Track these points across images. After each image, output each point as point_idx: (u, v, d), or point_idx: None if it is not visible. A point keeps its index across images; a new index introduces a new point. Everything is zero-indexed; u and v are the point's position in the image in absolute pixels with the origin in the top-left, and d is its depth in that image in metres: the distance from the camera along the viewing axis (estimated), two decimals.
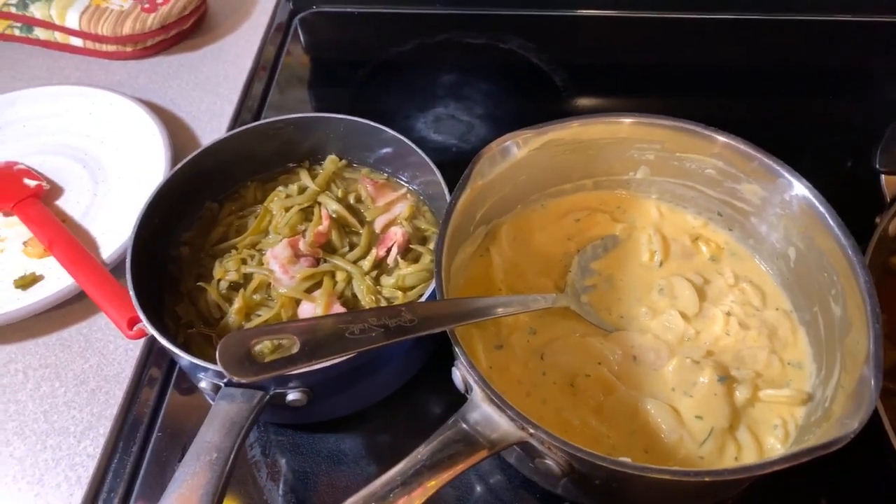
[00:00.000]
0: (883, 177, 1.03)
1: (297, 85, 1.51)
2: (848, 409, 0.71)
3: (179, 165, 1.04)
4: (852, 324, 0.79)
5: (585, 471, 0.73)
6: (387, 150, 1.10)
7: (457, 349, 0.76)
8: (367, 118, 1.10)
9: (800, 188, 0.87)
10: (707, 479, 0.65)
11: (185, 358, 0.84)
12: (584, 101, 1.37)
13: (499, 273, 0.99)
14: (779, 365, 0.89)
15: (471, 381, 0.75)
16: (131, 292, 0.88)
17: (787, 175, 0.88)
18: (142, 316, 0.86)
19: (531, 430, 0.71)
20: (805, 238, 0.89)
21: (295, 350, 0.66)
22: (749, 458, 0.82)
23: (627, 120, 0.95)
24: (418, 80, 1.43)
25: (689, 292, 0.96)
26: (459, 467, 0.70)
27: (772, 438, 0.84)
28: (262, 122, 1.11)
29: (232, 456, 0.74)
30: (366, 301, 0.96)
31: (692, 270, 1.00)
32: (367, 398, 0.95)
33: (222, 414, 0.78)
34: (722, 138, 0.92)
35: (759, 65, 1.44)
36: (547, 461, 0.73)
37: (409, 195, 1.11)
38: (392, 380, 0.95)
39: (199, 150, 1.06)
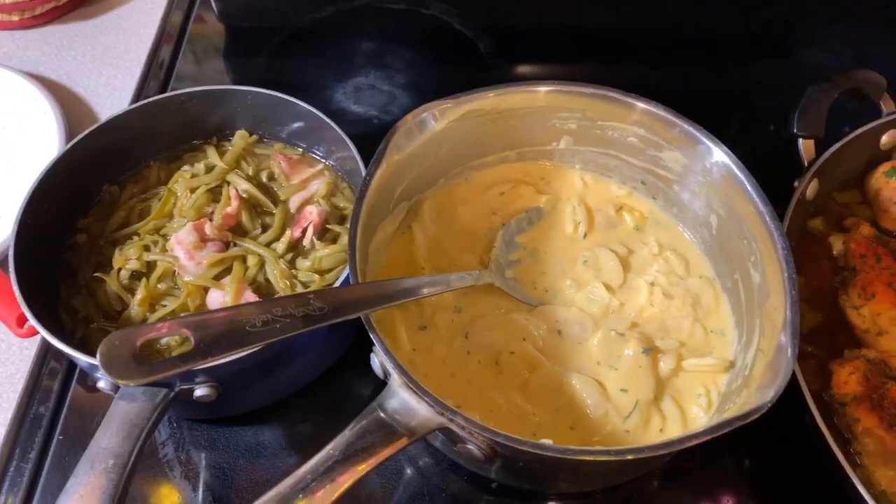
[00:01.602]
0: (801, 141, 1.03)
1: (207, 55, 1.41)
2: (767, 377, 0.71)
3: (70, 144, 0.95)
4: (771, 290, 0.79)
5: (508, 454, 0.71)
6: (300, 123, 1.04)
7: (372, 336, 0.72)
8: (282, 89, 1.03)
9: (719, 155, 0.86)
10: (630, 457, 0.64)
11: (79, 358, 0.77)
12: (509, 69, 1.33)
13: (422, 251, 0.96)
14: (702, 333, 0.89)
15: (388, 367, 0.72)
16: (15, 287, 0.80)
17: (706, 142, 0.87)
18: (28, 313, 0.79)
19: (450, 417, 0.68)
20: (726, 205, 0.88)
21: (189, 347, 0.61)
22: (674, 428, 0.82)
23: (544, 88, 0.92)
24: (337, 48, 1.36)
25: (613, 263, 0.95)
26: (375, 459, 0.67)
27: (695, 407, 0.84)
28: (163, 95, 1.03)
29: (131, 461, 0.68)
30: (280, 286, 0.91)
31: (617, 241, 0.98)
32: (284, 388, 0.90)
33: (121, 416, 0.72)
34: (642, 105, 0.90)
35: (684, 31, 1.43)
36: (469, 446, 0.71)
37: (326, 171, 1.05)
38: (311, 368, 0.91)
39: (93, 127, 0.97)
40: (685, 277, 0.94)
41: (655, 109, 0.90)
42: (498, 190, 1.03)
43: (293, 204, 1.00)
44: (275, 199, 1.01)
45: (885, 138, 1.08)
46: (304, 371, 0.90)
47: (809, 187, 1.02)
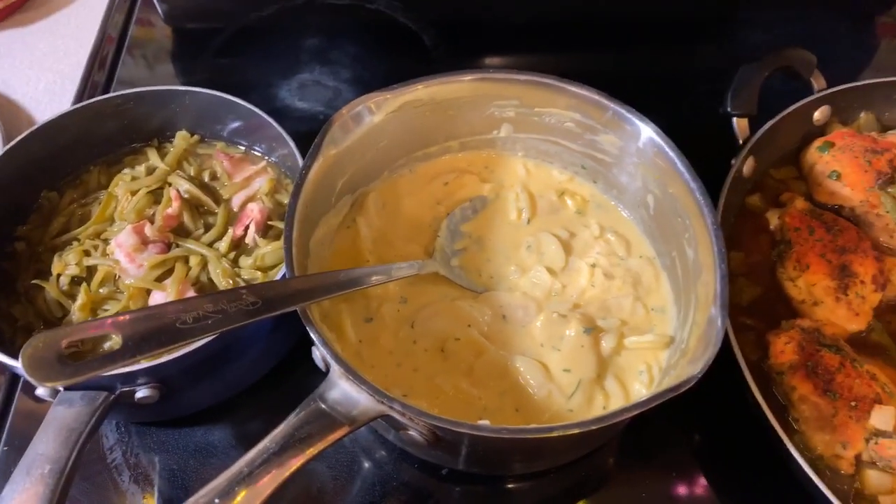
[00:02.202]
0: (735, 119, 1.06)
1: (150, 57, 1.40)
2: (699, 349, 0.73)
3: (4, 150, 0.94)
4: (703, 265, 0.81)
5: (449, 437, 0.71)
6: (241, 122, 1.04)
7: (308, 328, 0.72)
8: (228, 89, 1.03)
9: (650, 135, 0.87)
10: (557, 433, 0.65)
11: (15, 366, 0.76)
12: (454, 60, 1.34)
13: (367, 244, 0.96)
14: (643, 311, 0.91)
15: (327, 358, 0.72)
16: None
17: (638, 123, 0.88)
18: None
19: (389, 404, 0.68)
20: (660, 184, 0.90)
21: (117, 346, 0.60)
22: (616, 405, 0.84)
23: (470, 77, 0.93)
24: (281, 45, 1.35)
25: (555, 247, 0.96)
26: (315, 448, 0.67)
27: (637, 384, 0.85)
28: (99, 98, 1.02)
29: (68, 466, 0.68)
30: (222, 285, 0.91)
31: (559, 225, 1.00)
32: (231, 386, 0.90)
33: (58, 421, 0.71)
34: (575, 89, 0.91)
35: (626, 19, 1.44)
36: (411, 432, 0.72)
37: (269, 169, 1.05)
38: (257, 365, 0.91)
39: (27, 133, 0.96)
40: (626, 258, 0.96)
41: (588, 93, 0.91)
42: (442, 180, 1.04)
43: (236, 202, 1.00)
44: (217, 199, 1.01)
45: (817, 114, 1.11)
46: (250, 368, 0.90)
47: (746, 165, 1.05)
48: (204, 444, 0.90)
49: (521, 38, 1.39)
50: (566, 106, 0.94)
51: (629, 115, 0.89)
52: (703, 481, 0.93)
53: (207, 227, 0.97)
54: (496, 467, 0.87)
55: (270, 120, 0.98)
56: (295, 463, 0.66)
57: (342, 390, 0.72)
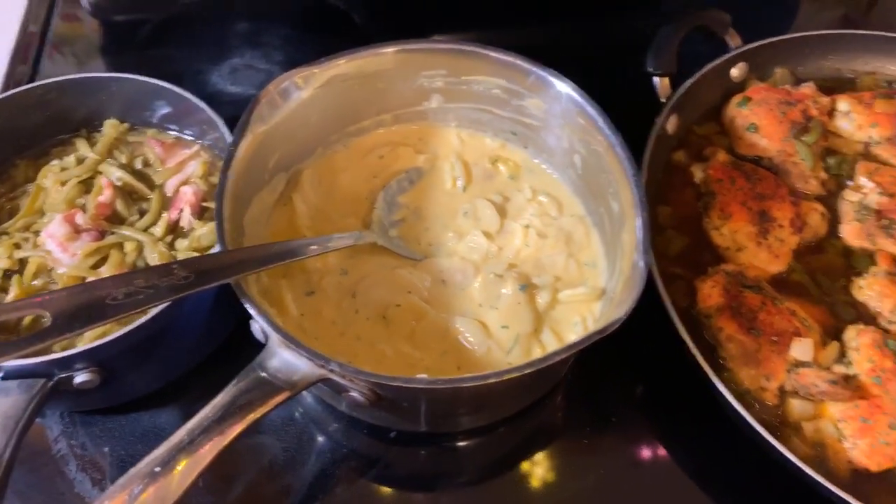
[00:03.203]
0: (656, 79, 1.09)
1: (76, 49, 1.37)
2: (625, 294, 0.76)
3: None
4: (626, 215, 0.84)
5: (389, 395, 0.73)
6: (170, 107, 1.03)
7: (242, 299, 0.73)
8: (158, 78, 1.02)
9: (571, 94, 0.90)
10: (492, 380, 0.68)
11: None
12: (384, 37, 1.34)
13: (304, 220, 0.97)
14: (576, 267, 0.94)
15: (265, 327, 0.73)
16: None
17: (558, 83, 0.91)
18: None
19: (327, 366, 0.70)
20: (584, 143, 0.93)
21: (46, 325, 0.61)
22: None
23: (390, 49, 0.94)
24: (210, 31, 1.34)
25: (490, 212, 0.99)
26: (255, 415, 0.68)
27: (573, 335, 0.89)
28: (20, 89, 1.00)
29: (6, 456, 0.67)
30: None
31: (494, 191, 1.02)
32: (176, 367, 0.90)
33: None
34: (497, 55, 0.94)
35: None
36: (352, 393, 0.73)
37: (202, 152, 1.04)
38: (201, 344, 0.91)
39: None
40: (558, 217, 0.99)
41: (509, 58, 0.93)
42: (377, 154, 1.05)
43: (170, 187, 1.00)
44: (151, 185, 1.00)
45: (734, 71, 1.16)
46: (194, 348, 0.90)
47: (670, 123, 1.09)
48: (152, 428, 0.90)
49: (451, 13, 1.41)
50: (491, 72, 0.97)
51: (550, 77, 0.91)
52: (647, 428, 0.97)
53: (142, 213, 0.97)
54: (443, 423, 0.89)
55: (200, 103, 0.98)
56: (236, 429, 0.67)
57: (282, 358, 0.73)
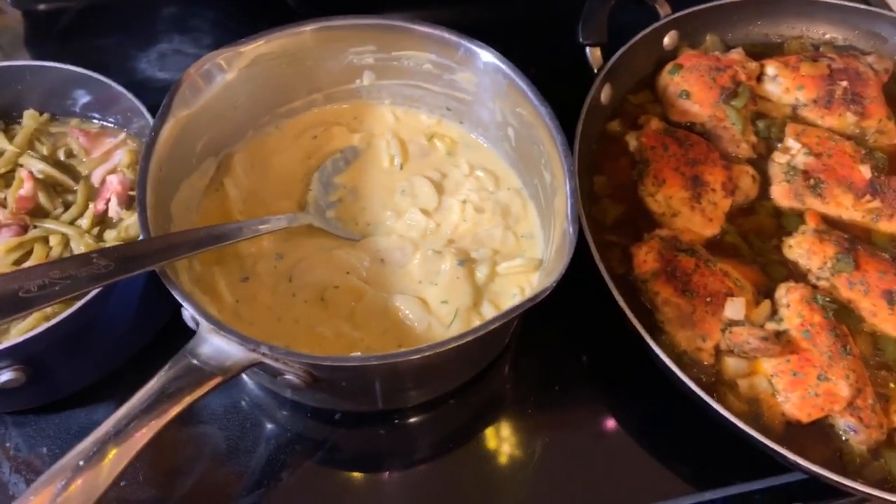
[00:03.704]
0: (588, 49, 1.10)
1: (6, 46, 1.32)
2: (555, 262, 0.77)
3: None
4: (558, 186, 0.84)
5: (325, 375, 0.73)
6: (92, 96, 0.99)
7: (168, 286, 0.71)
8: (84, 67, 0.98)
9: (499, 66, 0.90)
10: (428, 353, 0.67)
11: None
12: (319, 20, 1.32)
13: (237, 204, 0.95)
14: (513, 239, 0.95)
15: (193, 312, 0.71)
16: None
17: (486, 55, 0.91)
18: None
19: (257, 349, 0.69)
20: (516, 115, 0.93)
21: None
22: None
23: (311, 27, 0.92)
24: (136, 16, 1.29)
25: (427, 189, 0.98)
26: (188, 398, 0.67)
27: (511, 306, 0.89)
28: None
29: None
30: None
31: (431, 168, 1.02)
32: (110, 360, 0.88)
33: None
34: (424, 29, 0.92)
35: None
36: (287, 376, 0.72)
37: (129, 140, 1.01)
38: (135, 336, 0.89)
39: None
40: (495, 191, 0.99)
41: (437, 31, 0.92)
42: (310, 134, 1.03)
43: (96, 177, 0.97)
44: (76, 176, 0.97)
45: (666, 40, 1.17)
46: (127, 340, 0.88)
47: (603, 93, 1.09)
48: (88, 424, 0.87)
49: None
50: (420, 47, 0.96)
51: (477, 49, 0.91)
52: (592, 394, 0.98)
53: (67, 206, 0.94)
54: (387, 400, 0.88)
55: (122, 90, 0.95)
56: (165, 417, 0.66)
57: (212, 344, 0.71)
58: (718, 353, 0.89)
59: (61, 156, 0.99)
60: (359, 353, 0.72)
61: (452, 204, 0.97)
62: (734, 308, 0.89)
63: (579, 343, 1.03)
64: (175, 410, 0.66)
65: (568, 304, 0.88)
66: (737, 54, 1.15)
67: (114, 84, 0.95)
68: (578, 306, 1.00)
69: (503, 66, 0.89)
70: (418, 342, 0.86)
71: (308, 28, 0.92)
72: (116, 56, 1.24)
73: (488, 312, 0.88)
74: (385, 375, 0.77)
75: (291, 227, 0.90)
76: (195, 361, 0.71)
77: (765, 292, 0.95)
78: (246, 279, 0.89)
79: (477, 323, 0.87)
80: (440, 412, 0.95)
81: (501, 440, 0.95)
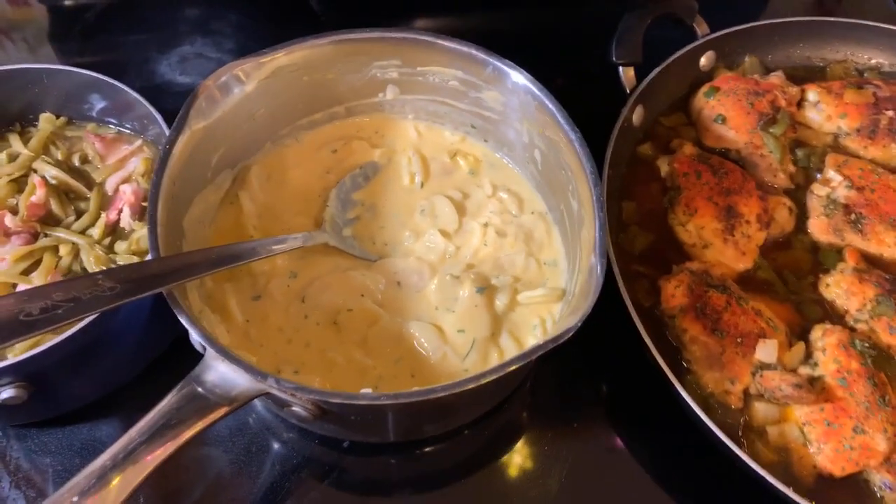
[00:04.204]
0: (621, 69, 1.06)
1: (27, 35, 1.31)
2: (580, 301, 0.73)
3: None
4: (586, 215, 0.80)
5: (334, 409, 0.70)
6: (107, 101, 0.97)
7: (175, 311, 0.69)
8: (103, 67, 0.96)
9: (528, 87, 0.86)
10: (433, 396, 0.64)
11: None
12: (344, 24, 1.29)
13: (251, 219, 0.92)
14: (536, 267, 0.91)
15: (200, 339, 0.69)
16: None
17: (515, 76, 0.87)
18: None
19: (265, 381, 0.66)
20: (544, 138, 0.89)
21: None
22: None
23: (331, 39, 0.89)
24: (158, 17, 1.27)
25: (448, 209, 0.95)
26: (190, 432, 0.65)
27: (531, 338, 0.85)
28: None
29: None
30: (97, 270, 0.86)
31: (452, 187, 0.98)
32: (114, 378, 0.86)
33: None
34: (451, 45, 0.89)
35: None
36: (294, 408, 0.69)
37: (145, 147, 0.99)
38: (141, 353, 0.87)
39: None
40: (518, 215, 0.95)
41: (465, 48, 0.89)
42: (330, 148, 1.00)
43: (110, 185, 0.94)
44: (90, 183, 0.95)
45: (703, 60, 1.13)
46: (133, 358, 0.86)
47: (635, 114, 1.05)
48: (90, 441, 0.85)
49: (414, 0, 1.36)
50: (447, 63, 0.92)
51: (506, 69, 0.87)
52: (611, 428, 0.94)
53: (80, 214, 0.92)
54: (399, 434, 0.85)
55: (138, 96, 0.92)
56: (167, 450, 0.63)
57: (219, 372, 0.69)
58: (748, 397, 0.85)
59: (76, 161, 0.97)
60: (369, 391, 0.69)
61: (473, 227, 0.93)
62: (766, 350, 0.85)
63: (599, 372, 0.99)
64: (177, 443, 0.64)
65: (590, 332, 0.83)
66: (777, 78, 1.10)
67: (129, 90, 0.93)
68: (601, 335, 0.94)
69: (533, 88, 0.85)
70: (432, 373, 0.82)
71: (330, 40, 0.89)
72: (137, 57, 1.22)
73: (507, 344, 0.85)
74: (396, 412, 0.73)
75: (307, 246, 0.87)
76: (200, 389, 0.68)
77: (799, 333, 0.91)
78: (258, 297, 0.87)
79: (494, 355, 0.84)
80: (455, 442, 0.92)
81: (516, 472, 0.91)
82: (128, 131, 1.00)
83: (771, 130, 1.04)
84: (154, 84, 1.03)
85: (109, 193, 0.94)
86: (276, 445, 0.88)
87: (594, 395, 0.98)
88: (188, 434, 0.65)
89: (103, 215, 0.90)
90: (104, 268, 0.85)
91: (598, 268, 0.72)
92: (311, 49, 0.88)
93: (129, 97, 0.93)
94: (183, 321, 0.68)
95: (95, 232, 0.89)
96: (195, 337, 0.72)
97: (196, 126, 0.82)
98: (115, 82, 0.93)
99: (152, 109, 0.90)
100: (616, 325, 0.87)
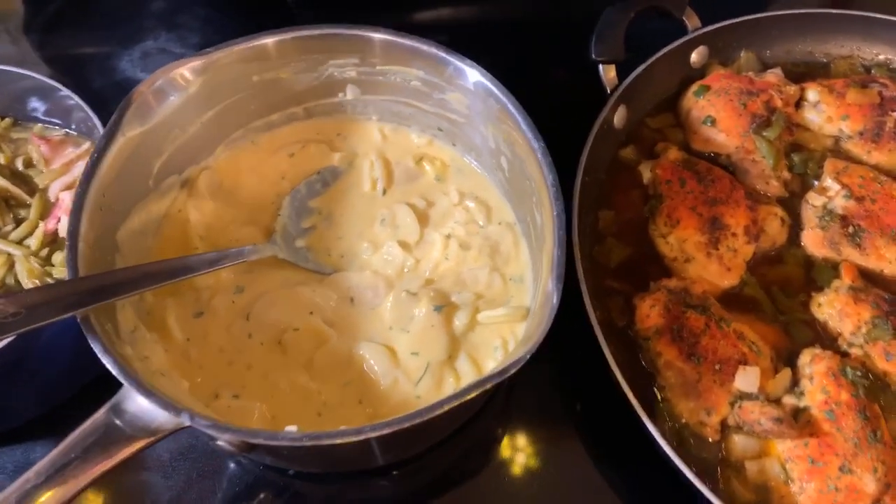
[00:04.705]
0: (601, 67, 0.98)
1: (10, 27, 1.26)
2: (532, 327, 0.66)
3: None
4: (546, 232, 0.73)
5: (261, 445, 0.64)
6: (49, 103, 0.92)
7: (89, 337, 0.63)
8: (61, 63, 0.92)
9: (489, 88, 0.79)
10: (367, 435, 0.58)
11: None
12: (315, 19, 1.22)
13: (198, 229, 0.87)
14: (500, 283, 0.84)
15: (113, 371, 0.63)
16: None
17: (476, 77, 0.80)
18: None
19: (180, 416, 0.60)
20: (508, 144, 0.82)
21: None
22: None
23: (279, 38, 0.83)
24: (122, 10, 1.22)
25: (410, 219, 0.88)
26: (99, 468, 0.60)
27: (492, 361, 0.79)
28: None
29: None
30: (30, 284, 0.81)
31: (416, 194, 0.92)
32: (48, 397, 0.81)
33: None
34: (409, 42, 0.82)
35: None
36: (219, 442, 0.64)
37: None
38: (76, 372, 0.82)
39: None
40: (485, 225, 0.88)
41: (425, 47, 0.82)
42: (287, 151, 0.94)
43: (53, 191, 0.90)
44: (33, 189, 0.90)
45: (694, 56, 1.05)
46: (67, 377, 0.81)
47: (617, 115, 0.98)
48: (24, 464, 0.81)
49: None
50: (407, 62, 0.85)
51: (465, 68, 0.80)
52: (581, 451, 0.88)
53: (20, 222, 0.87)
54: (342, 465, 0.80)
55: (80, 101, 0.89)
56: (74, 487, 0.58)
57: (138, 402, 0.63)
58: (725, 428, 0.78)
59: (19, 165, 0.92)
60: (293, 429, 0.63)
61: (435, 238, 0.87)
62: (747, 379, 0.78)
63: (574, 391, 0.93)
64: (86, 480, 0.59)
65: (563, 346, 0.75)
66: (773, 76, 1.02)
67: (70, 94, 0.88)
68: (573, 350, 0.89)
69: (494, 90, 0.78)
70: (382, 399, 0.76)
71: (278, 38, 0.83)
72: (98, 53, 1.16)
73: (464, 368, 0.78)
74: (326, 450, 0.68)
75: (252, 260, 0.81)
76: (117, 421, 0.63)
77: (786, 357, 0.83)
78: (200, 314, 0.81)
79: (450, 380, 0.78)
80: (417, 465, 0.86)
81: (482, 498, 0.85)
82: (75, 133, 0.95)
83: (764, 134, 0.96)
84: (114, 81, 0.98)
85: (52, 200, 0.89)
86: (220, 471, 0.83)
87: (567, 415, 0.91)
88: (98, 470, 0.60)
89: (41, 225, 0.85)
90: (37, 281, 0.81)
91: (555, 295, 0.65)
92: (258, 48, 0.82)
93: (69, 102, 0.88)
94: (95, 349, 0.63)
95: (33, 242, 0.84)
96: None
97: (132, 132, 0.76)
98: (56, 85, 0.88)
99: (91, 114, 0.85)
100: (588, 341, 0.80)
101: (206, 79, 0.82)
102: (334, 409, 0.76)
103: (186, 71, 0.79)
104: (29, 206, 0.88)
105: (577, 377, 0.93)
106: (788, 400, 0.79)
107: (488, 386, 0.60)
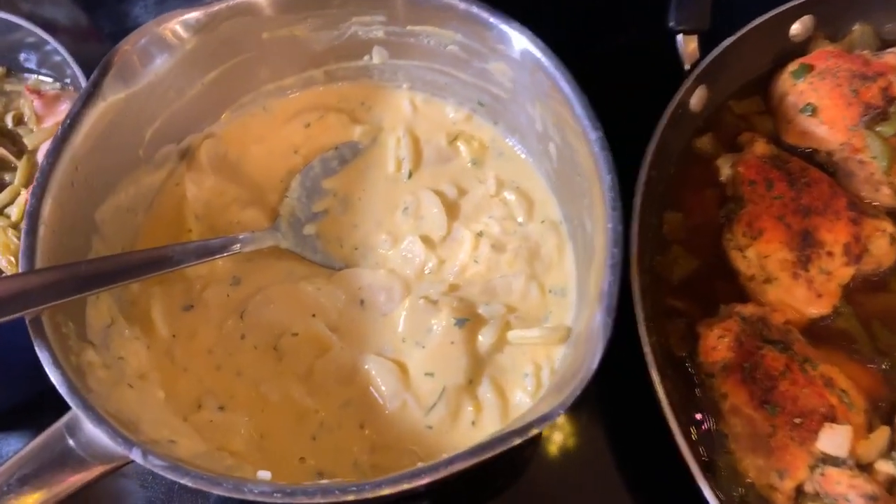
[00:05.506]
0: (679, 37, 0.81)
1: None
2: (573, 370, 0.53)
3: None
4: (596, 244, 0.60)
5: None
6: (39, 54, 0.82)
7: (36, 345, 0.54)
8: (62, 7, 0.81)
9: (537, 59, 0.64)
10: (318, 500, 0.47)
11: None
12: None
13: (195, 207, 0.76)
14: (538, 294, 0.71)
15: (65, 395, 0.53)
16: None
17: (521, 41, 0.65)
18: None
19: (133, 453, 0.50)
20: (559, 130, 0.68)
21: None
22: (490, 421, 0.65)
23: None
24: None
25: (437, 210, 0.75)
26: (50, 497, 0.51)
27: (520, 392, 0.67)
28: None
29: None
30: (4, 261, 0.72)
31: (447, 180, 0.78)
32: (18, 391, 0.73)
33: None
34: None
35: None
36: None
37: None
38: (37, 369, 0.73)
39: None
40: (525, 223, 0.75)
41: (465, 6, 0.67)
42: (303, 121, 0.82)
43: (42, 154, 0.80)
44: (22, 149, 0.81)
45: (796, 27, 0.86)
46: (28, 374, 0.72)
47: (695, 96, 0.81)
48: None
49: None
50: (442, 23, 0.71)
51: (513, 34, 0.65)
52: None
53: (3, 186, 0.78)
54: None
55: (67, 55, 0.78)
56: None
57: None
58: (801, 495, 0.64)
59: (9, 122, 0.83)
60: (267, 475, 0.52)
61: (464, 236, 0.74)
62: (833, 440, 0.63)
63: (614, 426, 0.79)
64: None
65: (608, 371, 0.62)
66: (894, 57, 0.83)
67: (57, 46, 0.78)
68: (619, 378, 0.75)
69: (544, 61, 0.64)
70: (386, 426, 0.66)
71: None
72: None
73: (486, 397, 0.66)
74: None
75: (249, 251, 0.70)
76: (72, 443, 0.54)
77: (885, 411, 0.68)
78: (189, 308, 0.71)
79: (469, 409, 0.66)
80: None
81: None
82: (71, 89, 0.85)
83: (878, 129, 0.78)
84: (126, 27, 0.87)
85: (40, 164, 0.79)
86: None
87: (612, 459, 0.78)
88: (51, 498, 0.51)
89: (23, 193, 0.76)
90: (12, 259, 0.72)
91: (602, 333, 0.52)
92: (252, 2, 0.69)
93: (57, 56, 0.77)
94: (42, 359, 0.53)
95: (14, 211, 0.75)
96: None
97: (114, 97, 0.66)
98: (44, 36, 0.77)
99: (78, 72, 0.74)
100: (638, 369, 0.66)
101: (206, 35, 0.70)
102: (331, 433, 0.66)
103: (178, 26, 0.68)
104: (14, 169, 0.79)
105: (620, 407, 0.79)
106: (884, 467, 0.64)
107: (501, 450, 0.48)
